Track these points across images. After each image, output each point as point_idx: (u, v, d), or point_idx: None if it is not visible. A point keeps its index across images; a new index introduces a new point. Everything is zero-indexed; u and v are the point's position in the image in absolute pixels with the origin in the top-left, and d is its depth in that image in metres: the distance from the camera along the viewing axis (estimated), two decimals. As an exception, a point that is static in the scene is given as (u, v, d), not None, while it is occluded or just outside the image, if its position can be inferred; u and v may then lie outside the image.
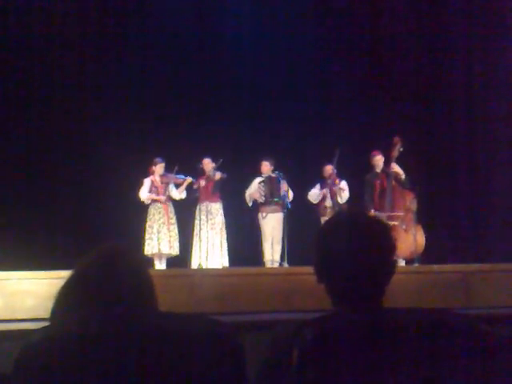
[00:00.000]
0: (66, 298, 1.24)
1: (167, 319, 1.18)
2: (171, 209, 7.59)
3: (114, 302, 1.19)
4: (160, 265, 7.48)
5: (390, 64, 8.56)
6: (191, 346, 1.12)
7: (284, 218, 7.45)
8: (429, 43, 8.41)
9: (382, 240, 1.34)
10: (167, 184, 7.61)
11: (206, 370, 1.11)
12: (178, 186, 7.58)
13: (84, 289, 1.22)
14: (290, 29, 8.38)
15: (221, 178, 7.54)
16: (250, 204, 7.73)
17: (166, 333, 1.12)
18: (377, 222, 1.38)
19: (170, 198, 7.55)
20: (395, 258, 1.38)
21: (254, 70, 8.36)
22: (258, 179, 7.78)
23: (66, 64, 8.13)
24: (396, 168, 7.07)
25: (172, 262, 7.49)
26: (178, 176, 7.58)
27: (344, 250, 1.32)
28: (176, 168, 7.38)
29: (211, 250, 7.48)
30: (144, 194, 7.48)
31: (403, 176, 7.14)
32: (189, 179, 7.57)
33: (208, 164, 7.63)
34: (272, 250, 7.59)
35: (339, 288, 1.33)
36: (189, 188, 7.67)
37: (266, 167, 7.74)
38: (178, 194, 7.57)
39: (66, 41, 8.18)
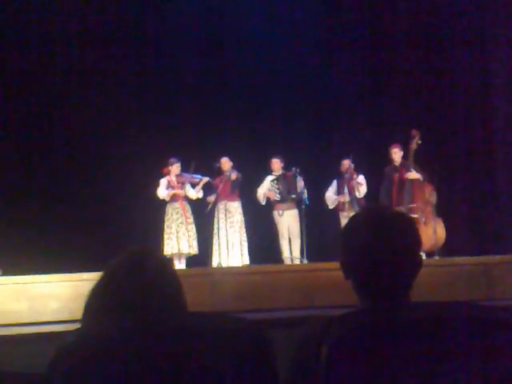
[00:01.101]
0: (96, 300, 1.24)
1: (196, 319, 1.20)
2: (188, 208, 7.61)
3: (144, 305, 1.21)
4: (180, 264, 7.52)
5: (407, 54, 8.56)
6: (222, 345, 1.13)
7: (301, 214, 7.45)
8: (443, 37, 8.40)
9: (408, 234, 1.34)
10: (183, 184, 7.65)
11: (238, 369, 1.12)
12: (194, 185, 7.75)
13: (114, 291, 1.23)
14: (301, 26, 8.48)
15: (236, 178, 7.56)
16: (264, 202, 7.73)
17: (197, 333, 1.14)
18: (402, 216, 1.38)
19: (186, 198, 7.58)
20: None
21: (265, 66, 8.42)
22: (270, 177, 7.76)
23: (83, 67, 8.24)
24: (412, 175, 7.05)
25: (192, 261, 7.52)
26: (194, 176, 7.61)
27: (370, 246, 1.32)
28: (193, 165, 7.40)
29: (231, 248, 7.51)
30: (162, 191, 7.50)
31: (421, 178, 7.14)
32: (205, 179, 7.61)
33: (226, 163, 7.66)
34: (290, 247, 7.61)
35: (366, 285, 1.33)
36: (206, 187, 7.73)
37: (277, 164, 7.74)
38: (195, 193, 7.60)
39: (83, 42, 8.25)
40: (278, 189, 7.67)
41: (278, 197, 7.65)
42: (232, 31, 8.45)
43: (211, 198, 7.53)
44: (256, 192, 7.76)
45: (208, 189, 7.72)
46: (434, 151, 8.04)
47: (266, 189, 7.75)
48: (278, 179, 7.71)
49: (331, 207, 7.72)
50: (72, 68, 8.16)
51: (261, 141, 8.42)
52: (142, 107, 8.36)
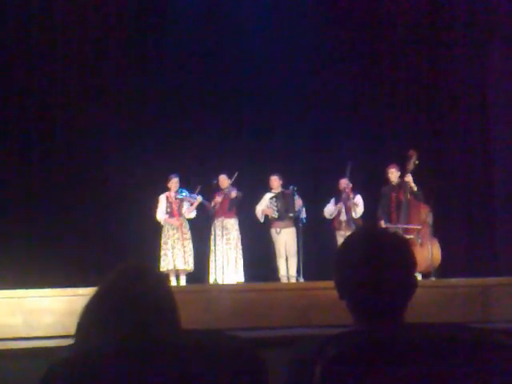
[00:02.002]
0: (90, 316, 1.23)
1: (190, 336, 1.18)
2: (186, 224, 7.63)
3: (139, 321, 1.19)
4: (180, 281, 7.51)
5: (405, 75, 8.60)
6: (215, 363, 1.13)
7: (298, 232, 7.46)
8: (441, 52, 8.36)
9: (403, 255, 1.34)
10: (181, 201, 7.67)
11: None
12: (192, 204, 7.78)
13: (108, 307, 1.22)
14: (302, 41, 8.43)
15: (236, 197, 7.58)
16: (262, 220, 7.74)
17: (190, 350, 1.13)
18: (397, 237, 1.38)
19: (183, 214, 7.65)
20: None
21: (264, 85, 8.47)
22: (269, 195, 7.78)
23: (80, 84, 8.24)
24: (409, 178, 7.03)
25: (189, 277, 7.55)
26: (192, 195, 7.62)
27: (365, 266, 1.32)
28: (199, 188, 7.42)
29: (226, 265, 7.51)
30: (161, 215, 7.54)
31: (415, 188, 7.13)
32: (199, 199, 7.60)
33: (224, 180, 7.68)
34: (287, 265, 7.62)
35: (361, 304, 1.33)
36: (202, 207, 7.73)
37: (276, 182, 7.76)
38: (188, 213, 7.59)
39: (84, 58, 8.25)
40: (276, 206, 7.68)
41: (275, 214, 7.66)
42: (229, 45, 8.48)
43: (218, 199, 7.48)
44: (255, 209, 7.77)
45: (205, 208, 7.73)
46: (431, 171, 8.08)
47: (264, 206, 7.75)
48: (276, 197, 7.72)
49: (330, 217, 7.70)
50: (70, 82, 8.19)
51: (260, 158, 8.46)
52: (142, 123, 8.41)
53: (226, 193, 7.64)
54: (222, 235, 7.55)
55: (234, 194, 7.59)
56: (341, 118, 8.56)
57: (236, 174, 7.40)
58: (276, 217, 7.67)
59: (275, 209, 7.69)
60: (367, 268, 1.31)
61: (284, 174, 7.81)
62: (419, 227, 7.05)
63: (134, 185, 7.86)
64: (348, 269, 1.35)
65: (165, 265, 7.40)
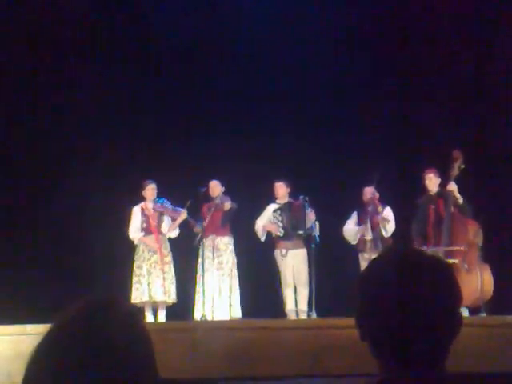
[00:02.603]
0: (41, 363, 1.22)
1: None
2: (166, 244, 7.67)
3: (103, 371, 1.19)
4: (153, 316, 7.49)
5: (447, 61, 8.73)
6: None
7: (310, 255, 7.52)
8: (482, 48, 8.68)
9: (446, 285, 1.35)
10: (161, 214, 7.68)
11: None
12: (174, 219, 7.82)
13: (65, 351, 1.21)
14: (310, 39, 8.81)
15: (230, 209, 7.63)
16: (263, 238, 7.80)
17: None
18: (437, 261, 1.40)
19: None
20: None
21: (268, 70, 8.79)
22: (272, 206, 7.83)
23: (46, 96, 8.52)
24: (453, 187, 7.11)
25: (169, 312, 7.61)
26: (176, 208, 7.65)
27: (395, 299, 1.33)
28: (188, 203, 7.53)
29: (218, 296, 7.56)
30: (134, 232, 7.60)
31: (461, 200, 7.17)
32: (183, 215, 7.62)
33: (215, 188, 7.72)
34: (296, 297, 7.67)
35: (389, 348, 1.33)
36: (186, 224, 7.76)
37: (282, 190, 7.80)
38: (168, 231, 7.68)
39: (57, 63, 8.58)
40: (281, 221, 7.73)
41: (281, 232, 7.70)
42: (228, 37, 8.84)
43: (198, 228, 7.58)
44: (254, 224, 7.82)
45: (194, 217, 7.77)
46: (481, 179, 8.12)
47: (266, 221, 7.80)
48: (281, 209, 7.77)
49: (353, 242, 7.74)
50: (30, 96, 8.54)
51: (261, 160, 8.57)
52: (108, 118, 8.58)
53: (217, 203, 7.66)
54: (213, 258, 7.60)
55: (227, 205, 7.62)
56: (363, 110, 8.71)
57: (189, 202, 7.52)
58: (281, 235, 7.72)
59: (280, 224, 7.73)
60: (398, 301, 1.33)
61: (292, 181, 7.92)
62: (465, 249, 7.09)
63: (98, 194, 7.97)
64: (372, 302, 1.37)
65: (138, 296, 7.42)
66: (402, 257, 1.40)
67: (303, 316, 7.47)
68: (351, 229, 7.79)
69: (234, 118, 8.85)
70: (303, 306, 7.56)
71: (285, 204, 7.79)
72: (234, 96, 8.84)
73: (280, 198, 7.82)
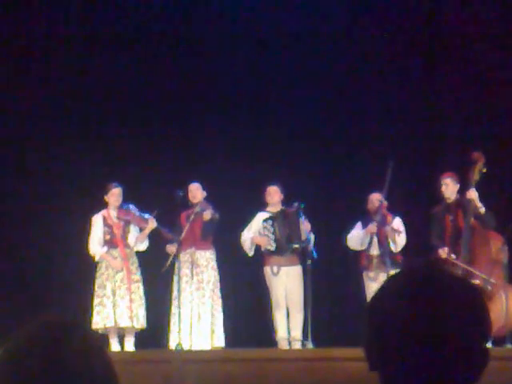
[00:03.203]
0: None
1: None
2: (134, 259, 7.62)
3: None
4: (119, 345, 7.44)
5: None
6: None
7: (306, 273, 7.47)
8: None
9: (473, 315, 1.36)
10: (128, 222, 7.63)
11: None
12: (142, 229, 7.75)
13: (14, 380, 1.24)
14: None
15: (212, 219, 7.63)
16: (251, 253, 7.75)
17: None
18: (464, 285, 1.40)
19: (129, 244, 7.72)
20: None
21: (258, 65, 8.96)
22: (262, 215, 7.79)
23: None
24: (473, 194, 7.11)
25: (140, 340, 7.54)
26: (143, 215, 7.60)
27: (411, 329, 1.33)
28: (155, 213, 7.53)
29: (197, 321, 7.52)
30: (96, 246, 7.55)
31: (483, 209, 7.15)
32: (151, 223, 7.54)
33: (196, 192, 7.72)
34: (288, 323, 7.60)
35: (404, 381, 1.34)
36: (156, 234, 7.69)
37: (276, 195, 7.77)
38: (136, 243, 7.65)
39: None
40: (273, 233, 7.69)
41: (272, 245, 7.68)
42: (215, 24, 9.00)
43: (171, 247, 7.54)
44: (240, 236, 7.78)
45: (168, 226, 7.73)
46: (506, 185, 8.16)
47: (255, 232, 7.76)
48: (273, 218, 7.74)
49: (361, 247, 7.69)
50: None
51: (250, 160, 8.54)
52: (65, 108, 8.62)
53: (197, 212, 7.63)
54: (192, 276, 7.57)
55: (208, 214, 7.60)
56: (370, 101, 8.78)
57: (156, 212, 7.48)
58: (273, 249, 7.68)
59: (272, 236, 7.68)
60: (415, 331, 1.33)
61: (285, 185, 7.87)
62: (487, 268, 7.04)
63: (52, 200, 7.94)
64: (383, 330, 1.36)
65: (100, 321, 7.36)
66: (421, 275, 1.40)
67: (297, 345, 7.46)
68: (357, 233, 7.73)
69: (219, 111, 8.86)
70: (297, 333, 7.52)
71: (277, 212, 7.77)
72: (220, 86, 8.93)
73: (272, 205, 7.80)
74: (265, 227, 7.73)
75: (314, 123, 8.84)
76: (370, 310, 1.40)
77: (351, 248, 7.78)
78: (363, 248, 7.69)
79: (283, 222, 7.70)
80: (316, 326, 7.27)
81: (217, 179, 8.07)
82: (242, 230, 7.79)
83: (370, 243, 7.68)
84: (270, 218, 7.75)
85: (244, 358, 6.09)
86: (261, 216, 7.80)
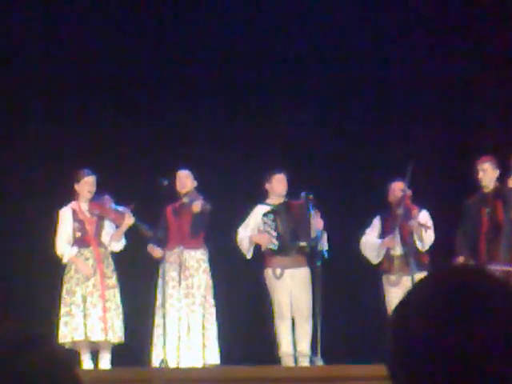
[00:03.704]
0: None
1: None
2: (109, 261, 7.62)
3: None
4: (92, 362, 7.42)
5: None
6: None
7: (315, 277, 7.51)
8: None
9: None
10: (101, 218, 7.59)
11: None
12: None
13: None
14: None
15: (202, 211, 7.61)
16: (249, 254, 7.76)
17: None
18: (506, 291, 1.39)
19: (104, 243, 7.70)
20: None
21: (262, 32, 9.07)
22: (262, 208, 7.80)
23: None
24: None
25: (117, 356, 7.55)
26: (119, 208, 7.53)
27: (445, 340, 1.34)
28: (132, 206, 7.56)
29: (186, 334, 7.52)
30: (64, 245, 7.54)
31: None
32: (128, 218, 7.46)
33: (185, 180, 7.75)
34: (294, 335, 7.58)
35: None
36: (134, 231, 7.61)
37: (282, 185, 7.77)
38: (111, 242, 7.62)
39: None
40: (275, 229, 7.66)
41: (275, 244, 7.65)
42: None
43: (155, 250, 7.52)
44: (237, 234, 7.74)
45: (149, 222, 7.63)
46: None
47: (253, 229, 7.72)
48: (276, 212, 7.71)
49: (376, 260, 7.73)
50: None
51: (248, 144, 8.58)
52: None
53: (185, 203, 7.60)
54: (180, 280, 7.56)
55: (197, 205, 7.52)
56: (391, 76, 8.84)
57: (133, 206, 7.50)
58: (275, 248, 7.65)
59: (274, 233, 7.65)
60: (449, 344, 1.34)
61: (291, 173, 7.86)
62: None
63: (13, 192, 8.00)
64: (413, 346, 1.37)
65: (68, 333, 7.33)
66: (455, 280, 1.43)
67: (304, 362, 7.45)
68: (372, 241, 7.75)
69: (213, 85, 8.89)
70: (304, 347, 7.51)
71: (280, 205, 7.73)
72: (215, 56, 8.99)
73: (273, 196, 7.77)
74: (265, 223, 7.69)
75: (325, 98, 8.84)
76: (394, 322, 1.42)
77: (365, 255, 7.79)
78: (379, 261, 7.71)
79: (287, 216, 7.66)
80: (327, 339, 7.30)
81: (209, 166, 8.09)
82: (239, 228, 7.70)
83: (393, 242, 7.62)
84: (272, 211, 7.71)
85: (242, 378, 6.22)
86: (260, 209, 7.78)
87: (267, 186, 7.75)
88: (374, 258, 7.70)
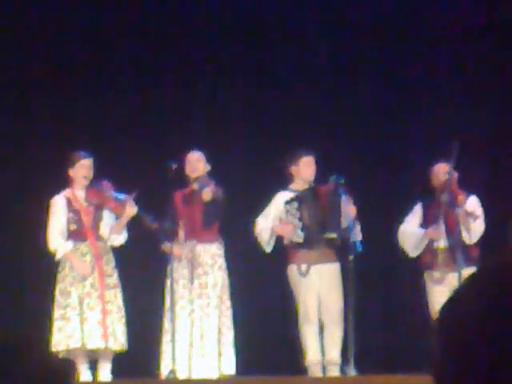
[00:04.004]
0: None
1: None
2: (110, 256, 7.62)
3: None
4: (89, 372, 7.42)
5: None
6: None
7: (346, 274, 7.49)
8: None
9: None
10: (99, 207, 7.57)
11: None
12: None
13: None
14: None
15: (215, 199, 7.56)
16: (269, 248, 7.73)
17: None
18: None
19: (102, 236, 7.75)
20: None
21: None
22: (284, 195, 7.78)
23: None
24: None
25: (119, 366, 7.57)
26: (120, 196, 7.56)
27: (500, 354, 1.33)
28: (135, 193, 7.55)
29: (199, 341, 7.51)
30: (57, 239, 7.55)
31: None
32: (130, 209, 7.41)
33: (197, 163, 7.72)
34: (323, 342, 7.58)
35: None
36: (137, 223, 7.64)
37: (311, 169, 7.71)
38: (111, 235, 7.63)
39: None
40: (300, 219, 7.62)
41: (299, 236, 7.59)
42: None
43: (166, 246, 7.54)
44: (255, 225, 7.69)
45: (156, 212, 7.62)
46: None
47: (275, 219, 7.68)
48: (301, 199, 7.67)
49: (416, 252, 7.68)
50: None
51: (268, 121, 8.63)
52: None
53: (195, 190, 7.53)
54: (192, 278, 7.55)
55: (208, 192, 7.49)
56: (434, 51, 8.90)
57: (135, 193, 7.49)
58: (301, 240, 7.58)
59: (299, 224, 7.58)
60: (507, 352, 1.33)
61: (318, 154, 7.83)
62: None
63: None
64: (465, 354, 1.36)
65: (63, 340, 7.34)
66: (510, 278, 1.43)
67: (333, 371, 7.45)
68: (413, 230, 7.72)
69: (231, 58, 8.93)
70: (334, 355, 7.50)
71: (305, 191, 7.66)
72: (229, 29, 9.04)
73: (299, 181, 7.71)
74: (288, 211, 7.66)
75: (358, 70, 8.92)
76: (440, 326, 1.41)
77: (403, 248, 7.79)
78: (418, 253, 7.71)
79: (314, 204, 7.58)
80: (360, 346, 7.30)
81: (225, 148, 8.10)
82: (258, 218, 7.74)
83: (436, 232, 7.67)
84: (296, 198, 7.66)
85: None
86: (282, 197, 7.74)
87: (293, 169, 7.67)
88: (413, 250, 7.70)
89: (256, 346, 7.76)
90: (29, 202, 7.85)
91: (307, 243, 7.54)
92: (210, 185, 7.50)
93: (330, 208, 7.53)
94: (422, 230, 7.71)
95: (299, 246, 7.56)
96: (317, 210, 7.57)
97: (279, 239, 7.69)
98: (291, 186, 7.69)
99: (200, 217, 7.59)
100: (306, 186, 7.65)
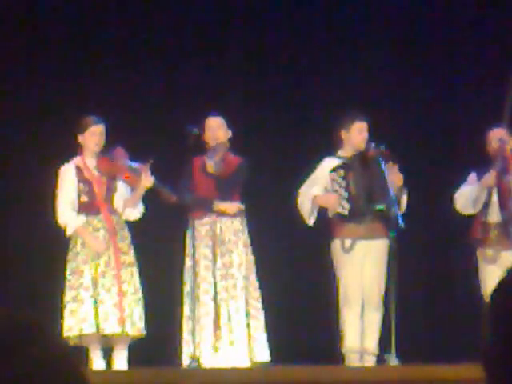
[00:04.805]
0: None
1: None
2: (124, 232, 7.68)
3: None
4: (103, 361, 7.48)
5: None
6: None
7: (389, 252, 7.54)
8: None
9: None
10: (113, 177, 7.62)
11: None
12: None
13: None
14: None
15: (238, 168, 7.78)
16: (311, 219, 7.72)
17: None
18: None
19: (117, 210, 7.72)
20: None
21: None
22: (330, 162, 7.75)
23: None
24: None
25: (136, 353, 7.63)
26: (135, 165, 7.58)
27: None
28: (151, 162, 7.57)
29: (225, 324, 7.61)
30: (68, 214, 7.58)
31: None
32: (146, 180, 7.47)
33: (218, 129, 7.79)
34: (363, 326, 7.68)
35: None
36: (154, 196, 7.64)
37: (361, 136, 7.71)
38: (124, 207, 7.66)
39: None
40: (346, 188, 7.63)
41: (345, 207, 7.61)
42: None
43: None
44: (297, 196, 7.78)
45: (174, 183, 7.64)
46: None
47: (320, 188, 7.73)
48: (347, 167, 7.71)
49: (474, 209, 7.74)
50: None
51: (303, 83, 8.89)
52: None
53: (219, 156, 7.62)
54: (214, 258, 7.66)
55: (211, 164, 7.58)
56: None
57: (150, 161, 7.53)
58: (346, 213, 7.62)
59: (345, 194, 7.62)
60: None
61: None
62: None
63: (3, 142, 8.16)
64: None
65: (75, 325, 7.36)
66: None
67: (370, 360, 7.57)
68: (467, 189, 7.74)
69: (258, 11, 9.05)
70: (372, 344, 7.60)
71: (353, 157, 7.70)
72: None
73: (349, 148, 7.76)
74: (334, 180, 7.67)
75: (406, 30, 9.13)
76: (494, 308, 1.46)
77: (461, 211, 7.76)
78: (478, 209, 7.70)
79: (362, 173, 7.60)
80: (403, 333, 7.33)
81: (252, 112, 8.38)
82: (301, 188, 7.75)
83: (488, 205, 7.71)
84: (343, 165, 7.66)
85: (296, 380, 6.17)
86: (327, 164, 7.73)
87: (343, 134, 7.75)
88: (472, 208, 7.76)
89: (289, 331, 7.88)
90: (35, 173, 7.89)
91: (354, 215, 7.61)
92: (216, 156, 7.55)
93: (378, 177, 7.54)
94: (478, 183, 7.73)
95: (344, 218, 7.63)
96: (365, 179, 7.60)
97: (322, 211, 7.67)
98: (339, 153, 7.71)
99: (214, 190, 7.71)
100: (354, 153, 7.66)
